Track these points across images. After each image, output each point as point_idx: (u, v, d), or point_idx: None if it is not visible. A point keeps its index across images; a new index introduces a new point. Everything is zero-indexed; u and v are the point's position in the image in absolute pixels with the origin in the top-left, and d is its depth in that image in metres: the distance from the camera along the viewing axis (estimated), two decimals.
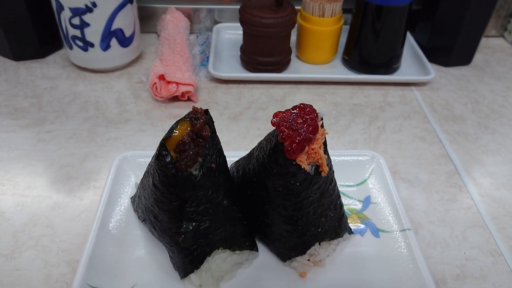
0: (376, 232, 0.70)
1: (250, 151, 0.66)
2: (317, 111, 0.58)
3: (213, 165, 0.58)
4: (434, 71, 1.09)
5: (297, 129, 0.56)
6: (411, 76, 1.09)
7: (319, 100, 1.03)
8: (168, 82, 0.97)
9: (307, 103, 0.59)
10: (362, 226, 0.71)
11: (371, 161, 0.79)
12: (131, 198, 0.72)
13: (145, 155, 0.77)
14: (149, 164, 0.61)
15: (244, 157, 0.68)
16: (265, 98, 1.03)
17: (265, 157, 0.59)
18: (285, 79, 1.08)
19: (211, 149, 0.57)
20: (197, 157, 0.56)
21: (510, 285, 0.66)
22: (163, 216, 0.59)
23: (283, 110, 0.58)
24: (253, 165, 0.63)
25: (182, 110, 0.97)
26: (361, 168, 0.79)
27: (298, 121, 0.56)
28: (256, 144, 0.65)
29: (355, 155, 0.80)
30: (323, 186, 0.62)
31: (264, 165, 0.60)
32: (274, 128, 0.58)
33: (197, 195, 0.57)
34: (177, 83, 0.97)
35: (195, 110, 0.58)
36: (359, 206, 0.75)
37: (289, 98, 1.03)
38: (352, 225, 0.71)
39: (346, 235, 0.68)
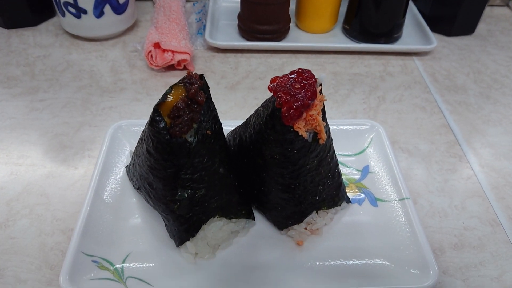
0: (374, 201, 0.69)
1: (247, 119, 0.64)
2: (316, 77, 0.57)
3: (208, 132, 0.56)
4: (436, 41, 1.06)
5: (295, 95, 0.54)
6: (412, 46, 1.07)
7: (318, 70, 1.01)
8: (164, 50, 0.95)
9: (304, 68, 0.57)
10: (360, 195, 0.70)
11: (370, 130, 0.78)
12: (126, 167, 0.71)
13: (140, 124, 0.76)
14: (143, 131, 0.60)
15: (241, 125, 0.66)
16: (263, 67, 1.01)
17: (262, 124, 0.58)
18: (284, 48, 1.05)
19: (206, 115, 0.56)
20: (191, 123, 0.54)
21: (508, 255, 0.66)
22: (158, 183, 0.58)
23: (280, 76, 0.57)
24: (250, 132, 0.61)
25: (178, 79, 0.92)
26: (360, 137, 0.78)
27: (296, 87, 0.55)
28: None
29: (354, 124, 0.79)
30: (321, 154, 0.60)
31: (261, 132, 0.58)
32: (272, 94, 0.57)
33: (192, 162, 0.55)
34: (172, 51, 0.94)
35: (189, 75, 0.56)
36: (357, 175, 0.74)
37: (288, 68, 1.01)
38: (350, 194, 0.70)
39: (344, 204, 0.68)
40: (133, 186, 0.67)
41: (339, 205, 0.66)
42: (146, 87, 0.93)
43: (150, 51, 0.95)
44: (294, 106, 0.54)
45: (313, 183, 0.61)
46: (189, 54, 0.95)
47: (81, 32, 1.04)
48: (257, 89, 0.94)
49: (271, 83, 0.56)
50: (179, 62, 0.96)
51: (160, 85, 0.94)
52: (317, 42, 1.07)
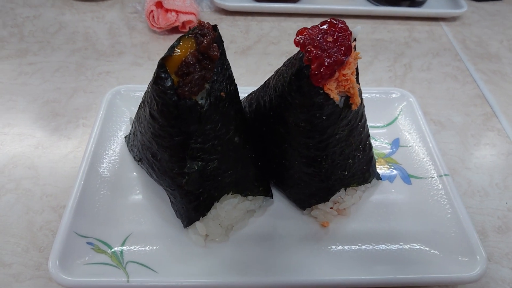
0: (407, 178, 0.61)
1: (266, 81, 0.56)
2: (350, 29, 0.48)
3: (222, 94, 0.48)
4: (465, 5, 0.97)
5: (327, 49, 0.45)
6: (440, 10, 0.97)
7: None
8: (167, 10, 0.85)
9: (338, 19, 0.49)
10: (392, 171, 0.62)
11: (400, 99, 0.69)
12: (125, 137, 0.63)
13: (141, 89, 0.67)
14: (145, 92, 0.51)
15: (258, 89, 0.58)
16: (276, 31, 0.92)
17: (285, 85, 0.49)
18: (299, 11, 0.96)
19: (220, 74, 0.47)
20: (203, 83, 0.46)
21: None
22: (163, 154, 0.49)
23: (309, 27, 0.48)
24: (270, 96, 0.53)
25: None
26: (389, 107, 0.69)
27: (328, 40, 0.46)
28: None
29: (382, 92, 0.70)
30: (352, 122, 0.52)
31: (283, 95, 0.50)
32: (299, 49, 0.48)
33: (204, 129, 0.47)
34: (176, 12, 0.85)
35: (201, 24, 0.47)
36: (387, 149, 0.65)
37: None
38: (379, 170, 0.62)
39: (374, 181, 0.59)
40: (134, 158, 0.59)
41: (370, 182, 0.58)
42: (148, 51, 0.84)
43: (152, 11, 0.86)
44: (326, 63, 0.45)
45: (342, 156, 0.53)
46: (194, 14, 0.86)
47: None
48: (271, 55, 0.85)
49: (298, 35, 0.47)
50: (183, 24, 0.87)
51: (163, 49, 0.85)
52: (335, 4, 0.97)
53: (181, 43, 0.46)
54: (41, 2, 0.95)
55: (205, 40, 0.46)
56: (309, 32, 0.47)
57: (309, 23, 0.94)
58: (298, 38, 0.47)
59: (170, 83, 0.44)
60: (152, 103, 0.47)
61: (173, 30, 0.88)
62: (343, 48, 0.46)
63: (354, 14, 0.96)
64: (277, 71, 0.53)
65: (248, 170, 0.53)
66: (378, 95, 0.70)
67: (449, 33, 0.94)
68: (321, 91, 0.47)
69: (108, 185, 0.58)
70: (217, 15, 0.95)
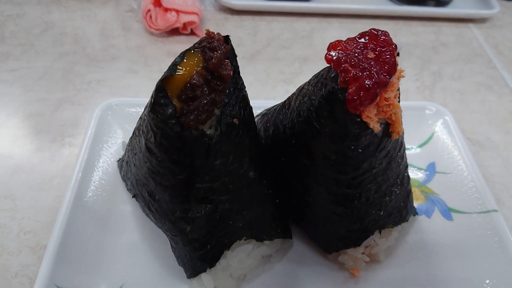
0: (447, 212, 0.53)
1: (285, 101, 0.47)
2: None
3: (235, 120, 0.40)
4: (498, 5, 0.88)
5: (368, 68, 0.36)
6: (468, 10, 0.89)
7: None
8: (166, 10, 0.78)
9: (379, 29, 0.40)
10: (428, 204, 0.54)
11: (435, 116, 0.61)
12: (118, 161, 0.54)
13: (136, 103, 0.61)
14: (140, 118, 0.42)
15: (275, 108, 0.49)
16: (288, 33, 0.83)
17: (313, 110, 0.41)
18: (313, 10, 0.88)
19: (232, 96, 0.39)
20: (213, 108, 0.38)
21: None
22: (163, 193, 0.41)
23: (345, 40, 0.39)
24: (292, 121, 0.44)
25: (184, 46, 0.76)
26: (422, 124, 0.61)
27: (369, 56, 0.37)
28: (291, 93, 0.46)
29: (415, 108, 0.62)
30: (391, 152, 0.43)
31: (310, 121, 0.41)
32: (327, 67, 0.39)
33: (213, 165, 0.39)
34: (177, 11, 0.77)
35: (210, 35, 0.38)
36: (421, 176, 0.57)
37: (318, 35, 0.83)
38: (414, 202, 0.53)
39: (410, 217, 0.51)
40: (128, 190, 0.50)
41: (407, 220, 0.49)
42: (144, 56, 0.76)
43: (149, 11, 0.79)
44: (367, 85, 0.36)
45: (378, 193, 0.44)
46: (197, 14, 0.79)
47: None
48: (282, 60, 0.77)
49: (330, 50, 0.38)
50: (185, 25, 0.80)
51: (162, 53, 0.77)
52: (352, 3, 0.89)
53: (185, 60, 0.37)
54: None
55: (215, 56, 0.37)
56: (345, 46, 0.38)
57: (323, 23, 0.85)
58: (331, 54, 0.38)
59: (171, 111, 0.36)
60: (149, 134, 0.38)
61: (173, 32, 0.80)
62: (386, 67, 0.38)
63: (374, 14, 0.88)
64: (300, 90, 0.44)
65: (264, 209, 0.45)
66: (410, 112, 0.61)
67: (479, 36, 0.85)
68: (358, 119, 0.38)
69: (97, 221, 0.50)
70: (222, 15, 0.86)
